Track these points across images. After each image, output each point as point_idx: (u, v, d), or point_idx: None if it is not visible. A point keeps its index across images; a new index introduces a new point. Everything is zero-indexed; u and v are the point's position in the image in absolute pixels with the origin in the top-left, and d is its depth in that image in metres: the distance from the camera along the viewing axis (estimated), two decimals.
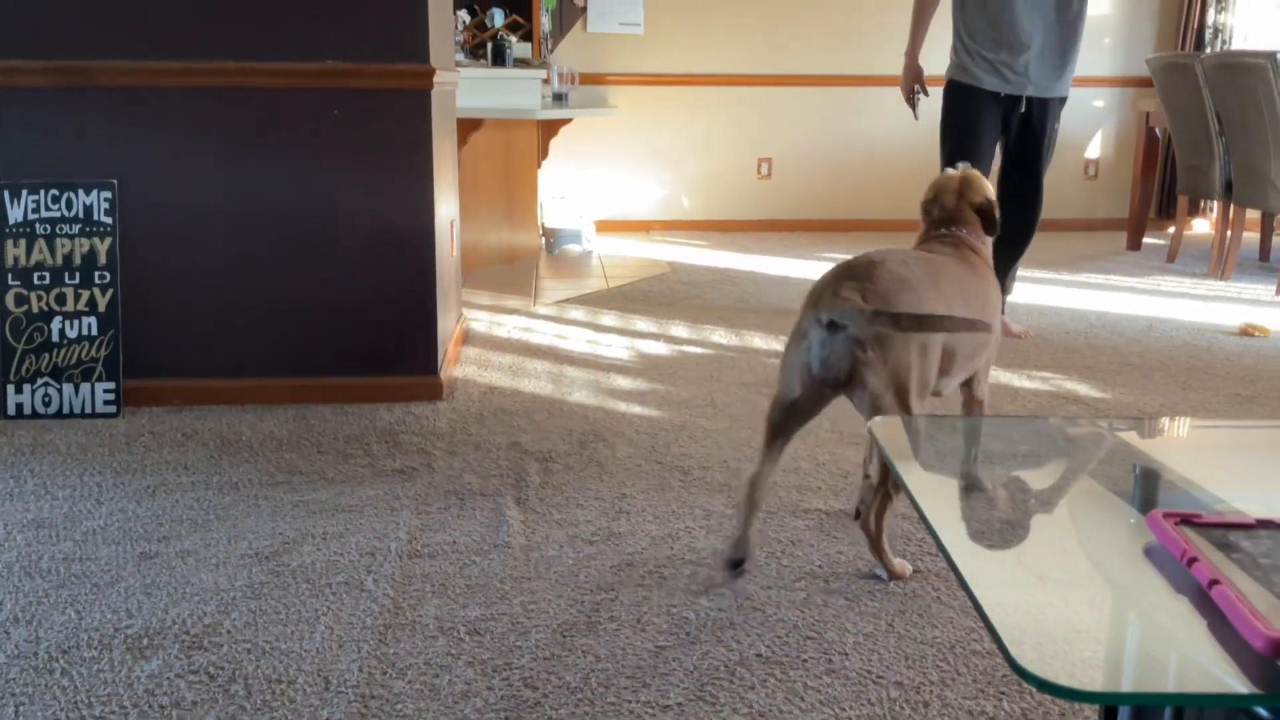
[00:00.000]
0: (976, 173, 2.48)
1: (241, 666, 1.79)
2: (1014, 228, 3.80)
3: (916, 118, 4.42)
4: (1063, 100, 4.15)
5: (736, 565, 2.05)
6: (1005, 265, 4.06)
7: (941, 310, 2.05)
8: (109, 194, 3.07)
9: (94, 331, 3.08)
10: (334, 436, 2.92)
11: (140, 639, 1.87)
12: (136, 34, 3.03)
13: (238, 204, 3.14)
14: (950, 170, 2.52)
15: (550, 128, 6.00)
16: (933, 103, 4.23)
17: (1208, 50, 6.76)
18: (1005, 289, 4.13)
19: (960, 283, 2.21)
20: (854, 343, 1.94)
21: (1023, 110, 4.06)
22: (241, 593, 2.05)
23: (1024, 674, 0.78)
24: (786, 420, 2.10)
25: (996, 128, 4.09)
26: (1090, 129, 7.14)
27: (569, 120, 6.03)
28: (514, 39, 6.21)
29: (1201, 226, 7.17)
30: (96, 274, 3.07)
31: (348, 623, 1.94)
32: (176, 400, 3.16)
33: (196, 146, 3.10)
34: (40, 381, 3.05)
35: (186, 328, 3.17)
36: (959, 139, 4.04)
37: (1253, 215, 6.21)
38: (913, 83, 4.22)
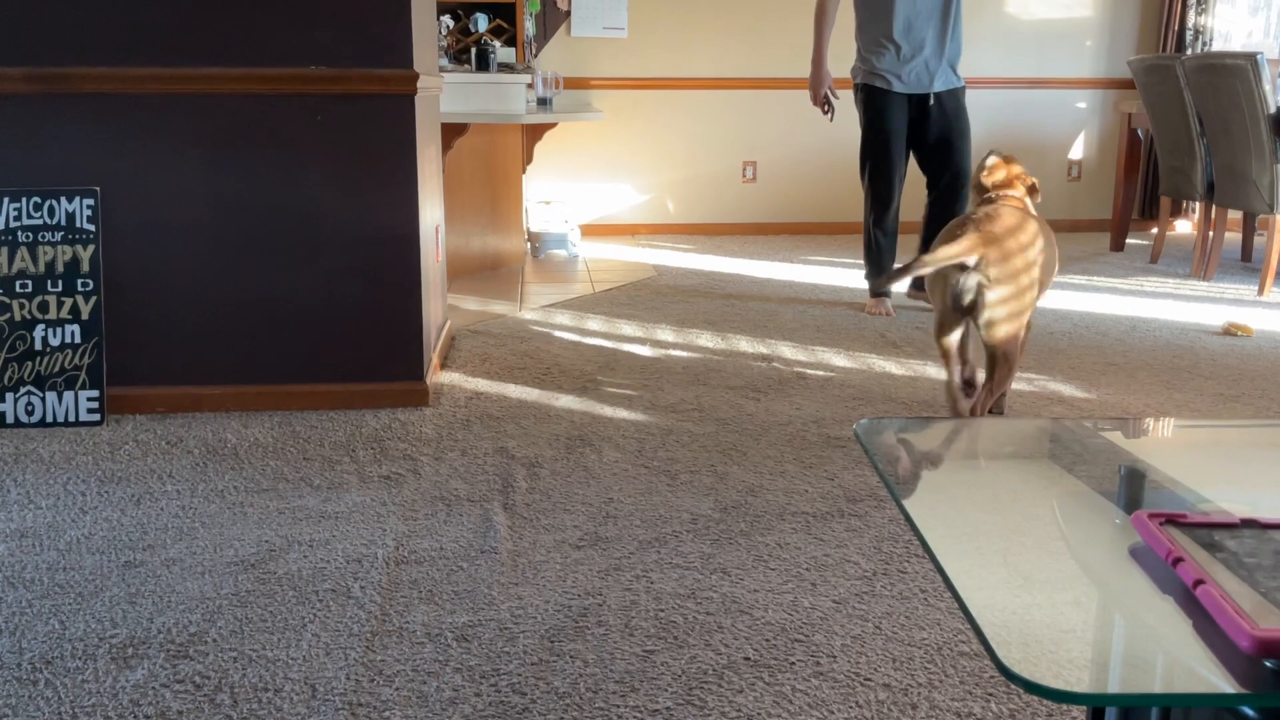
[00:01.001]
0: (1011, 157, 3.10)
1: (228, 675, 1.78)
2: (943, 218, 4.24)
3: (831, 120, 4.92)
4: (963, 90, 4.56)
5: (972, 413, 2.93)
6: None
7: (1033, 249, 2.82)
8: (91, 201, 3.05)
9: (77, 339, 3.06)
10: (320, 443, 2.91)
11: (125, 648, 1.86)
12: (119, 40, 3.02)
13: (222, 210, 3.13)
14: (992, 157, 3.10)
15: (535, 132, 5.99)
16: (846, 105, 4.64)
17: (1189, 52, 6.80)
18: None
19: (1040, 230, 2.90)
20: (980, 283, 2.74)
21: (931, 105, 4.46)
22: (227, 601, 2.04)
23: (1011, 676, 0.78)
24: (947, 332, 2.92)
25: (907, 127, 4.51)
26: (1073, 130, 7.17)
27: (554, 125, 6.02)
28: (498, 44, 6.20)
29: (1184, 227, 7.21)
30: (79, 281, 3.06)
31: (335, 630, 1.93)
32: (161, 408, 3.14)
33: (180, 153, 3.09)
34: (23, 390, 3.03)
35: (171, 335, 3.16)
36: (877, 140, 4.48)
37: (1234, 216, 6.25)
38: (824, 89, 4.63)
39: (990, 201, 2.97)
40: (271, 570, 2.16)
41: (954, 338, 2.93)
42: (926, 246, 4.11)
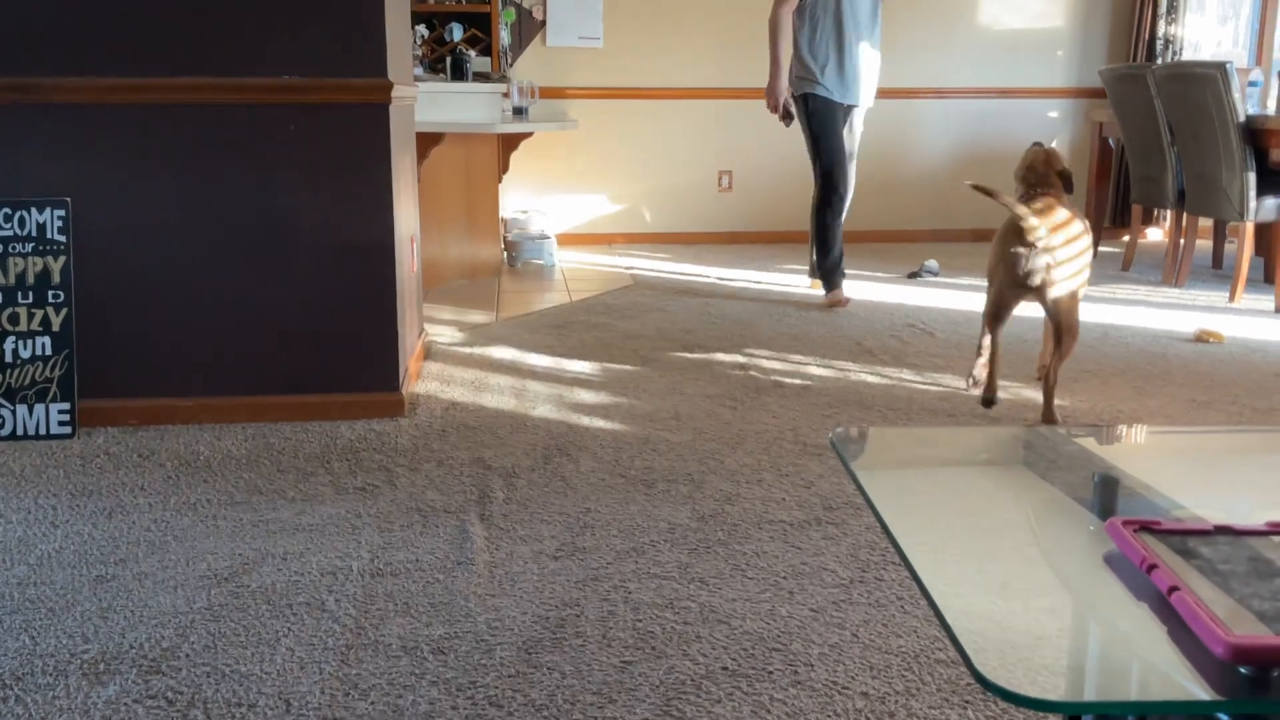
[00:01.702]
0: (1054, 148, 3.37)
1: (201, 690, 1.76)
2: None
3: (788, 127, 5.11)
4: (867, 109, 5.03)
5: (989, 403, 3.28)
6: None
7: (1086, 235, 3.18)
8: (62, 212, 3.02)
9: (48, 351, 3.03)
10: (294, 454, 2.89)
11: (97, 664, 1.84)
12: (90, 50, 2.99)
13: (195, 221, 3.11)
14: (1036, 146, 3.36)
15: (511, 142, 5.99)
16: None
17: (1159, 61, 6.87)
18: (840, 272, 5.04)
19: (1080, 223, 3.20)
20: (1046, 262, 3.04)
21: (852, 116, 4.92)
22: (200, 615, 2.02)
23: (987, 684, 0.78)
24: (1001, 313, 3.22)
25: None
26: (1045, 139, 7.22)
27: (529, 134, 6.02)
28: (473, 53, 6.20)
29: (1155, 235, 7.27)
30: (50, 293, 3.03)
31: (309, 644, 1.91)
32: (133, 420, 3.11)
33: (152, 163, 3.07)
34: None
35: (143, 346, 3.13)
36: (831, 143, 4.88)
37: (1205, 223, 6.31)
38: (784, 97, 4.93)
39: (1037, 192, 3.24)
40: (245, 584, 2.14)
41: (1005, 322, 3.26)
42: (823, 246, 4.94)
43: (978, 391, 3.37)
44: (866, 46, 4.83)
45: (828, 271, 4.99)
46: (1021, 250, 3.05)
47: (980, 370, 3.34)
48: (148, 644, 1.91)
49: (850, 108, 4.88)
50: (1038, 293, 3.10)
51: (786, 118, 4.97)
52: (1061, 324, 3.14)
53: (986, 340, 3.28)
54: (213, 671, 1.82)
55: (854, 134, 4.96)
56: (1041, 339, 3.61)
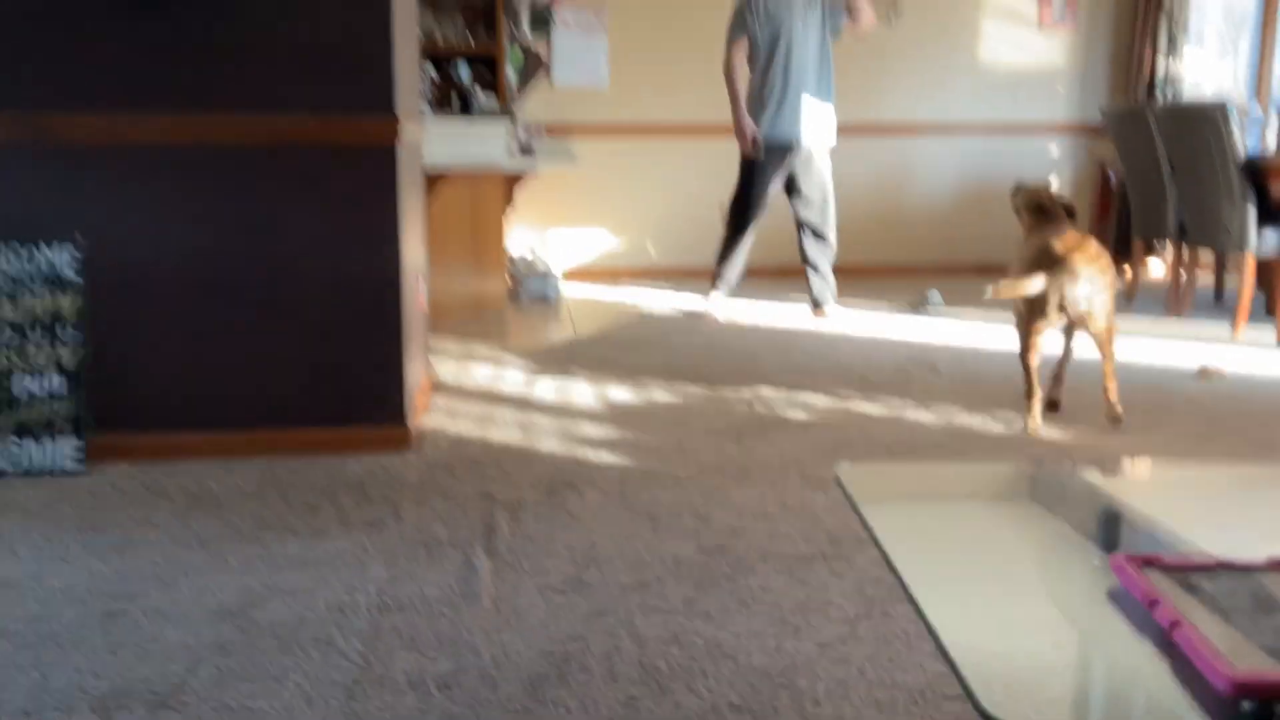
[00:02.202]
0: (1048, 185, 3.79)
1: None
2: (809, 251, 5.44)
3: (761, 158, 5.39)
4: (829, 148, 5.38)
5: (1054, 406, 3.71)
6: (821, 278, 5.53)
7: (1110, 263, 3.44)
8: (74, 250, 3.05)
9: (59, 388, 3.05)
10: (302, 489, 2.91)
11: (106, 700, 1.85)
12: (97, 87, 3.03)
13: (203, 258, 3.14)
14: (1033, 183, 3.77)
15: (517, 179, 6.03)
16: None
17: (1159, 95, 6.92)
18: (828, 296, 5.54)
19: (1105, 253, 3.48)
20: (1091, 288, 3.31)
21: (802, 156, 5.28)
22: (209, 650, 2.02)
23: None
24: (1039, 344, 3.44)
25: (783, 172, 5.33)
26: (1046, 175, 7.27)
27: (536, 171, 6.07)
28: (480, 92, 6.26)
29: (1157, 269, 7.30)
30: (60, 330, 3.05)
31: (316, 679, 1.92)
32: (143, 455, 3.13)
33: (162, 201, 3.10)
34: (4, 439, 3.01)
35: (153, 382, 3.15)
36: (756, 182, 5.31)
37: (1207, 259, 6.33)
38: (752, 133, 5.27)
39: (1053, 223, 3.53)
40: (253, 619, 2.15)
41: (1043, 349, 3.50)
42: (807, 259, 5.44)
43: (1042, 434, 3.46)
44: (813, 87, 5.19)
45: (718, 275, 5.54)
46: (1064, 282, 3.31)
47: (1036, 408, 3.49)
48: (156, 679, 1.92)
49: (790, 147, 5.24)
50: (1080, 321, 3.40)
51: (758, 148, 5.32)
52: (1104, 342, 3.47)
53: (1034, 378, 3.48)
54: (220, 707, 1.83)
55: (812, 174, 5.31)
56: (1053, 374, 3.80)
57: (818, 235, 5.42)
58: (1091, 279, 3.31)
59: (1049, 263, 3.32)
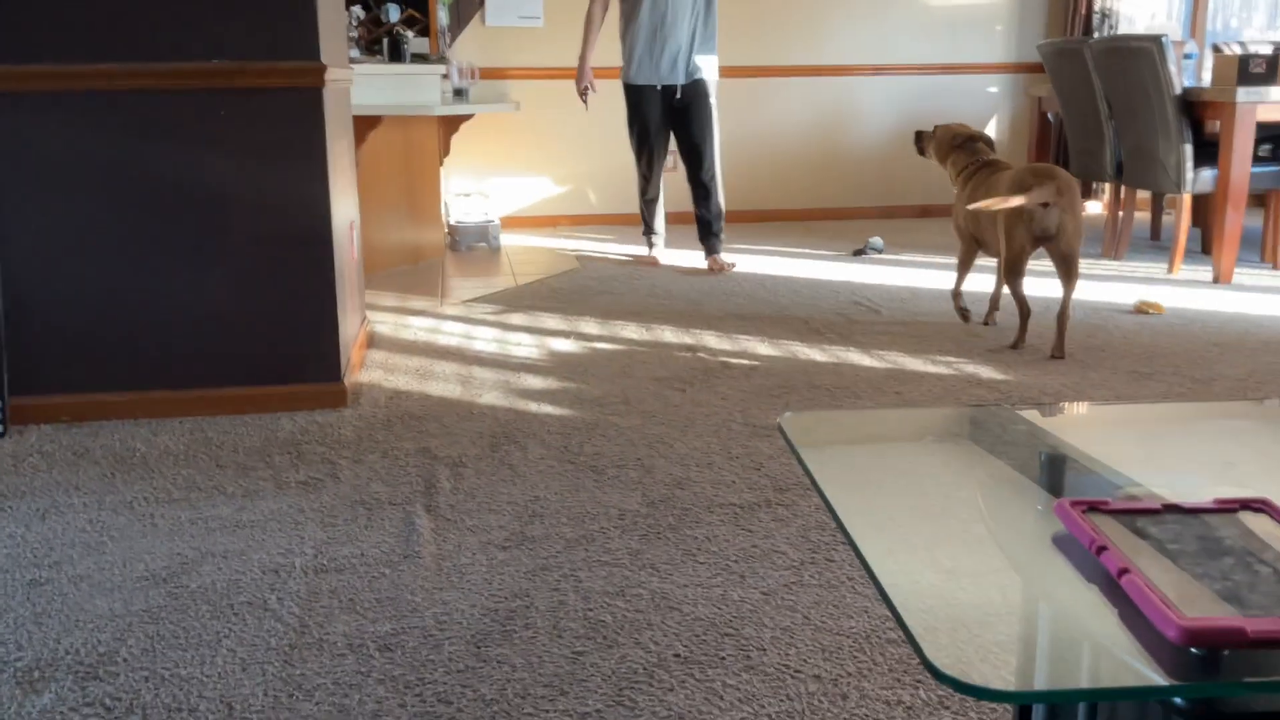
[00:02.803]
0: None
1: (140, 696, 1.71)
2: (696, 196, 5.40)
3: (587, 109, 5.65)
4: (709, 82, 5.24)
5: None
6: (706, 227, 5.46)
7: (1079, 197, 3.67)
8: None
9: None
10: (233, 449, 2.83)
11: (31, 671, 1.78)
12: (10, 36, 2.89)
13: (123, 212, 3.02)
14: (948, 125, 4.13)
15: (451, 124, 5.90)
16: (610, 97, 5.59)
17: (1096, 35, 6.93)
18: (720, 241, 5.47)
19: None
20: (1060, 214, 3.55)
21: (678, 98, 5.19)
22: (138, 618, 1.96)
23: (940, 676, 0.76)
24: (1022, 268, 3.67)
25: (665, 116, 5.27)
26: (985, 115, 7.27)
27: (470, 116, 5.94)
28: (411, 34, 6.10)
29: (1094, 208, 7.36)
30: None
31: (251, 644, 1.87)
32: (66, 417, 3.03)
33: (76, 153, 2.97)
34: None
35: (75, 341, 3.04)
36: (640, 129, 5.31)
37: (1143, 196, 6.39)
38: (585, 82, 5.40)
39: (988, 158, 3.88)
40: (184, 584, 2.09)
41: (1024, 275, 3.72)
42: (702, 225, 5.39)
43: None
44: (685, 30, 5.12)
45: (645, 227, 5.62)
46: (1040, 210, 3.55)
47: (1024, 332, 3.80)
48: (84, 649, 1.85)
49: (659, 90, 5.19)
50: (1051, 241, 3.61)
51: (585, 98, 5.47)
52: (1072, 261, 3.66)
53: (1024, 301, 3.76)
54: (152, 676, 1.77)
55: (689, 119, 5.21)
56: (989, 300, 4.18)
57: (695, 181, 5.35)
58: (1072, 194, 3.57)
59: (1035, 180, 3.56)
